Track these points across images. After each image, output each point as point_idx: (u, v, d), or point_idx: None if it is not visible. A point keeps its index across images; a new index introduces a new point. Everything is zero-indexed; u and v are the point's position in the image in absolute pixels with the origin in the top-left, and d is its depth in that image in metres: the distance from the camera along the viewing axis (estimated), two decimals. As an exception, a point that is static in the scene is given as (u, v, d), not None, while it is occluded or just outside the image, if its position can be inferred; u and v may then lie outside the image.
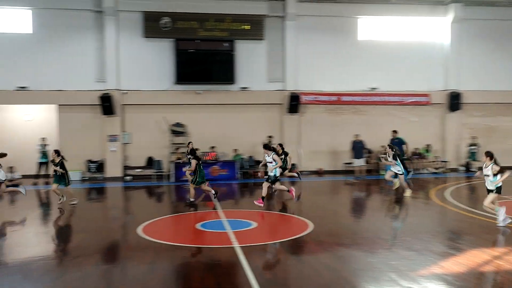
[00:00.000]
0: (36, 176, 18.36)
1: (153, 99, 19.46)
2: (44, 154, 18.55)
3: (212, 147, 19.10)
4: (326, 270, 6.81)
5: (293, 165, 19.89)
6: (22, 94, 18.56)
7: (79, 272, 7.03)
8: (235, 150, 19.64)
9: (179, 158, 18.68)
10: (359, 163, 19.22)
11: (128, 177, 18.93)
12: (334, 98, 21.03)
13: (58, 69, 18.81)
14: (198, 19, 19.87)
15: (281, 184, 13.01)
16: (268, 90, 20.47)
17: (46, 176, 18.38)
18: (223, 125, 20.02)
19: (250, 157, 19.98)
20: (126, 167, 19.40)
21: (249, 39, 20.30)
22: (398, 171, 14.16)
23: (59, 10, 18.85)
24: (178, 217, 11.64)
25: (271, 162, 12.34)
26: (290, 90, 20.30)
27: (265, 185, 12.24)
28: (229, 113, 20.27)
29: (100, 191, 17.19)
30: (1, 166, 13.02)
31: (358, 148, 19.10)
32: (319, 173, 20.67)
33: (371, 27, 21.67)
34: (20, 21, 18.76)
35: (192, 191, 12.73)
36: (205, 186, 12.99)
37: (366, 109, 21.24)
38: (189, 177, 13.59)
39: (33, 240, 9.47)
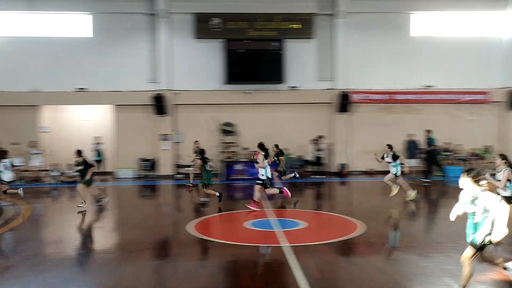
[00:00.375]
0: (95, 173, 19.18)
1: (204, 99, 19.81)
2: (99, 153, 19.36)
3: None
4: (377, 273, 6.65)
5: (342, 165, 19.64)
6: (81, 95, 19.47)
7: (133, 266, 7.29)
8: (285, 149, 19.57)
9: (228, 157, 18.91)
10: (412, 163, 18.61)
11: (179, 175, 19.38)
12: (385, 96, 20.50)
13: (114, 70, 19.57)
14: (247, 19, 20.02)
15: (272, 188, 12.37)
16: (317, 89, 20.27)
17: (101, 173, 19.20)
18: (271, 125, 20.04)
19: (299, 156, 19.88)
20: (177, 166, 19.87)
21: (298, 38, 20.20)
22: (394, 173, 13.09)
23: (116, 14, 19.60)
24: (226, 215, 11.78)
25: (257, 163, 12.05)
26: (340, 89, 20.00)
27: (256, 188, 11.80)
28: (278, 113, 20.27)
29: (153, 189, 17.72)
30: (11, 166, 13.41)
31: (411, 148, 18.52)
32: (370, 173, 20.24)
33: (425, 22, 20.91)
34: (81, 25, 19.68)
35: (209, 191, 12.50)
36: (209, 190, 12.46)
37: (420, 107, 20.54)
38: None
39: (90, 235, 9.92)
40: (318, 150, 19.20)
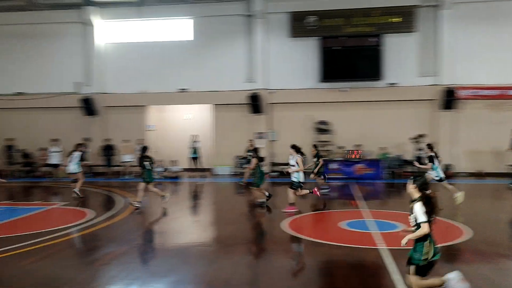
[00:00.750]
0: (192, 170, 20.20)
1: (299, 97, 19.81)
2: (195, 150, 20.30)
3: (357, 145, 18.67)
4: (484, 282, 6.12)
5: (447, 166, 18.37)
6: (183, 95, 20.58)
7: (229, 260, 7.51)
8: (382, 148, 18.88)
9: (324, 156, 18.70)
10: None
11: (274, 173, 19.61)
12: (496, 92, 18.78)
13: (213, 71, 20.39)
14: (344, 16, 19.61)
15: (302, 189, 11.75)
16: (419, 85, 19.20)
17: (198, 170, 20.09)
18: (368, 123, 19.42)
19: (398, 156, 19.01)
20: (273, 164, 20.11)
21: (398, 32, 19.30)
22: (436, 176, 11.97)
23: (215, 17, 20.41)
24: (321, 214, 11.65)
25: (293, 165, 11.48)
26: (445, 85, 18.73)
27: (290, 192, 11.43)
28: (375, 110, 19.57)
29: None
30: (78, 159, 14.13)
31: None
32: (479, 175, 18.69)
33: (545, 9, 18.77)
34: (183, 29, 20.82)
35: (257, 193, 12.32)
36: (258, 189, 12.23)
37: (537, 104, 18.50)
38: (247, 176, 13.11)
39: (189, 228, 10.42)
40: (419, 149, 18.18)
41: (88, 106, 20.28)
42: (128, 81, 20.76)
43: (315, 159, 14.34)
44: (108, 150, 19.63)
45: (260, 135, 20.03)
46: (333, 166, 18.23)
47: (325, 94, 19.65)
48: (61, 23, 20.93)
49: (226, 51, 20.44)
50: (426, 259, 5.01)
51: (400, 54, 19.32)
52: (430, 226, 5.01)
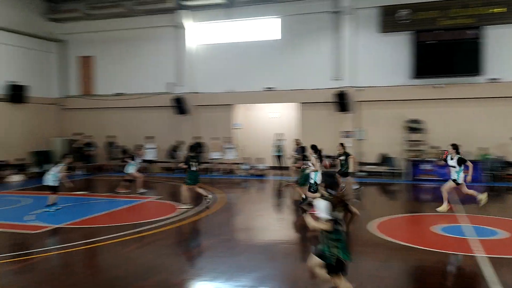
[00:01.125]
0: (280, 168, 20.33)
1: (388, 94, 19.04)
2: (279, 148, 20.34)
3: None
4: None
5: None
6: (269, 94, 20.79)
7: (314, 259, 7.44)
8: (482, 149, 17.48)
9: (415, 156, 17.81)
10: None
11: (361, 173, 19.08)
12: None
13: (299, 70, 20.32)
14: (439, 8, 18.44)
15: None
16: (524, 80, 17.51)
17: (282, 168, 20.16)
18: (466, 121, 18.09)
19: (500, 157, 17.50)
20: (360, 163, 19.57)
21: (502, 23, 17.73)
22: (456, 179, 10.81)
23: (302, 16, 20.33)
24: (412, 217, 11.11)
25: (310, 166, 11.05)
26: (556, 79, 16.88)
27: (309, 195, 11.03)
28: (474, 108, 18.17)
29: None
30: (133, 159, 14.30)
31: None
32: None
33: None
34: (270, 29, 21.03)
35: (299, 190, 12.04)
36: (300, 189, 11.94)
37: None
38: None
39: (275, 225, 10.49)
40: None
41: (179, 105, 21.27)
42: (216, 80, 21.44)
43: (342, 158, 13.54)
44: (198, 147, 20.42)
45: (347, 134, 19.59)
46: (426, 166, 17.28)
47: (417, 91, 18.67)
48: (155, 27, 22.18)
49: (313, 49, 20.26)
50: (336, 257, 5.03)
51: (502, 47, 17.75)
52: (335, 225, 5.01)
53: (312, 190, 11.01)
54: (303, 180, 11.79)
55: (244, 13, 20.97)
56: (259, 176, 19.25)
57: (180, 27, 21.61)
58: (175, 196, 13.92)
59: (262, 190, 16.16)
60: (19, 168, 19.92)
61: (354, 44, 19.48)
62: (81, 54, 23.56)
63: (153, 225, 9.90)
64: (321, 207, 4.97)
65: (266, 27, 21.04)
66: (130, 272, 6.96)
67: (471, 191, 11.06)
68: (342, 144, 14.30)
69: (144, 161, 19.86)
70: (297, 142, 16.83)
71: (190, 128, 21.63)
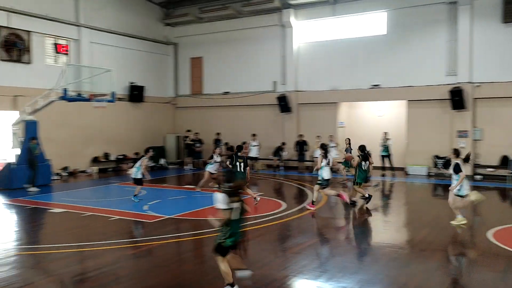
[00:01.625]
0: (383, 168, 19.54)
1: (511, 91, 17.27)
2: (386, 148, 19.49)
3: None
4: None
5: None
6: (375, 92, 20.07)
7: (423, 265, 7.03)
8: None
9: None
10: None
11: (478, 176, 17.58)
12: None
13: (407, 65, 19.31)
14: None
15: (331, 189, 11.77)
16: None
17: (389, 168, 19.33)
18: None
19: None
20: (476, 166, 18.05)
21: None
22: (458, 190, 9.42)
23: (412, 8, 19.27)
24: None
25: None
26: None
27: (315, 189, 11.46)
28: None
29: (447, 188, 16.62)
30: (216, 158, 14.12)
31: None
32: None
33: None
34: (375, 24, 20.30)
35: (360, 190, 11.98)
36: (359, 188, 12.04)
37: None
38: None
39: (380, 228, 10.12)
40: None
41: (283, 104, 21.50)
42: (320, 78, 21.28)
43: (363, 163, 12.23)
44: (301, 146, 20.48)
45: (462, 133, 18.17)
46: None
47: (546, 86, 16.68)
48: (261, 27, 22.66)
49: (422, 43, 19.10)
50: (228, 242, 5.65)
51: None
52: (231, 214, 5.57)
53: (321, 186, 11.47)
54: (360, 179, 12.00)
55: (349, 9, 20.51)
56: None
57: (284, 26, 21.83)
58: (277, 193, 14.10)
59: (366, 190, 15.69)
60: (136, 162, 21.71)
61: (471, 36, 18.00)
62: (191, 56, 24.98)
63: (255, 221, 10.13)
64: (219, 198, 5.59)
65: (371, 23, 20.34)
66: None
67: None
68: (363, 148, 12.65)
69: (248, 158, 20.51)
70: (347, 142, 16.42)
71: (293, 126, 21.77)
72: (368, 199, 11.98)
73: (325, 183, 11.39)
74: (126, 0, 22.76)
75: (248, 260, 7.39)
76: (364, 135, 20.99)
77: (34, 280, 6.62)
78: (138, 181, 12.81)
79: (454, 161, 9.59)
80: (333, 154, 19.75)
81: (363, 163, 12.11)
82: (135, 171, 12.73)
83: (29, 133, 15.58)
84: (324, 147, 11.77)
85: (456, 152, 9.80)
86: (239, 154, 11.87)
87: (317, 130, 20.50)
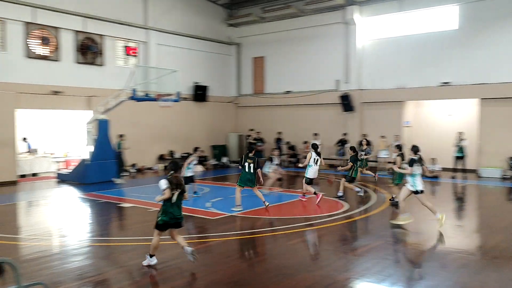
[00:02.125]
0: (454, 170, 18.58)
1: None
2: (461, 149, 18.47)
3: None
4: None
5: None
6: (444, 90, 19.13)
7: (496, 273, 6.62)
8: None
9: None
10: None
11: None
12: None
13: (481, 62, 18.22)
14: None
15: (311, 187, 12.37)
16: None
17: (463, 170, 18.34)
18: None
19: None
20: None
21: None
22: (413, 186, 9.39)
23: (487, 1, 18.15)
24: None
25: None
26: None
27: (304, 184, 12.35)
28: None
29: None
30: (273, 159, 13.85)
31: None
32: None
33: None
34: (446, 19, 19.35)
35: (398, 191, 11.16)
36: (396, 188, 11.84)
37: None
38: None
39: (449, 232, 9.63)
40: None
41: (346, 103, 21.10)
42: (385, 76, 20.66)
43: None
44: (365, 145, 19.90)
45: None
46: None
47: None
48: (324, 25, 22.38)
49: (499, 38, 17.93)
50: (161, 219, 6.82)
51: None
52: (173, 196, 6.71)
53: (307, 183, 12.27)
54: (400, 180, 11.65)
55: (417, 3, 19.75)
56: (432, 178, 17.90)
57: (348, 23, 21.43)
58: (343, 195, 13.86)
59: (435, 193, 15.02)
60: (200, 160, 22.27)
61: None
62: (253, 55, 25.20)
63: (318, 221, 10.04)
64: (162, 183, 6.73)
65: (441, 18, 19.42)
66: (295, 263, 7.18)
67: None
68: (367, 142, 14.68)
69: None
70: (384, 140, 15.86)
71: (356, 125, 21.33)
72: (394, 200, 11.88)
73: (308, 180, 12.30)
74: (191, 3, 23.42)
75: (308, 260, 7.32)
76: (433, 135, 20.14)
77: (105, 270, 6.98)
78: (188, 180, 13.01)
79: (413, 156, 9.52)
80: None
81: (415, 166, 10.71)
82: (187, 170, 12.96)
83: (102, 131, 16.49)
84: (400, 147, 11.91)
85: (399, 148, 10.56)
86: (250, 154, 11.47)
87: (381, 130, 19.96)
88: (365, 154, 16.12)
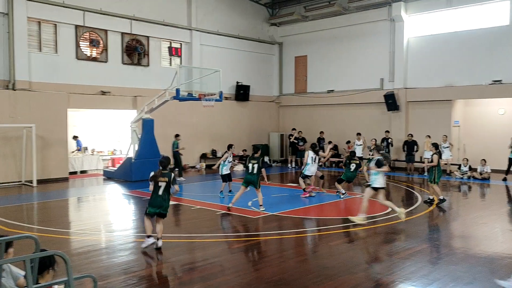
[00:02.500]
0: (507, 172, 17.72)
1: None
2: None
3: None
4: None
5: None
6: (496, 88, 18.16)
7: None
8: None
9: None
10: None
11: None
12: None
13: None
14: None
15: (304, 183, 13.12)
16: None
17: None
18: None
19: None
20: None
21: None
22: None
23: (541, -6, 17.25)
24: None
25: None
26: None
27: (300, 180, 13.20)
28: None
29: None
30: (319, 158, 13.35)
31: None
32: None
33: None
34: (496, 14, 18.47)
35: (436, 189, 12.12)
36: (436, 187, 12.15)
37: None
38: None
39: (500, 236, 9.22)
40: None
41: (391, 102, 20.60)
42: (431, 74, 20.00)
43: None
44: (410, 146, 19.35)
45: None
46: None
47: None
48: (368, 23, 21.94)
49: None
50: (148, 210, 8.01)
51: None
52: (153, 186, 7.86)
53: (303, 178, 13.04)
54: (438, 178, 12.09)
55: (467, -1, 18.98)
56: (482, 180, 17.20)
57: (394, 21, 20.91)
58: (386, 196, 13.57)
59: (486, 195, 14.42)
60: (242, 159, 22.42)
61: None
62: (296, 55, 25.09)
63: (359, 222, 9.86)
64: (150, 176, 7.87)
65: (492, 13, 18.58)
66: (337, 264, 7.09)
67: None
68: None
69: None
70: (429, 140, 15.20)
71: (401, 125, 20.80)
72: (442, 201, 12.00)
73: (304, 176, 12.97)
74: (233, 3, 23.60)
75: (350, 261, 7.21)
76: (483, 135, 19.33)
77: (149, 266, 7.16)
78: (225, 177, 13.23)
79: (378, 154, 10.02)
80: (447, 155, 18.48)
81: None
82: (221, 168, 13.17)
83: (146, 131, 16.92)
84: (436, 145, 12.52)
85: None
86: (255, 155, 11.50)
87: (428, 130, 19.36)
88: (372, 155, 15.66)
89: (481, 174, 17.51)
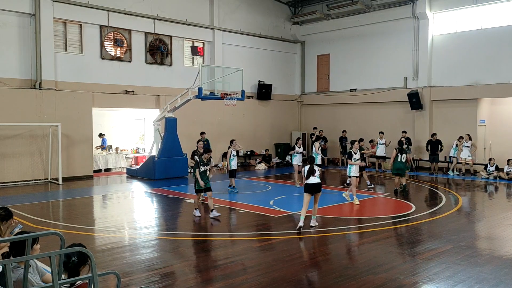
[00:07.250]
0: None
1: None
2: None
3: None
4: None
5: None
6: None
7: None
8: None
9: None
10: None
11: None
12: None
13: None
14: None
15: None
16: None
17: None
18: None
19: None
20: None
21: None
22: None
23: None
24: None
25: None
26: None
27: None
28: None
29: None
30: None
31: None
32: None
33: None
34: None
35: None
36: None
37: None
38: None
39: (528, 238, 8.98)
40: None
41: (414, 100, 20.27)
42: (456, 73, 19.59)
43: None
44: (434, 145, 19.00)
45: None
46: None
47: None
48: (391, 21, 21.63)
49: None
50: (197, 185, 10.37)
51: None
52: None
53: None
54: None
55: (495, -5, 18.50)
56: (509, 180, 16.78)
57: (418, 18, 20.56)
58: (407, 194, 13.40)
59: (510, 196, 14.07)
60: (264, 158, 22.44)
61: None
62: (318, 53, 24.94)
63: (383, 222, 9.75)
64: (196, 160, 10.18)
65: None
66: (359, 264, 7.04)
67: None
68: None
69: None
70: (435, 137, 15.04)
71: (425, 125, 20.45)
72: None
73: (352, 175, 12.35)
74: (255, 2, 23.60)
75: (372, 261, 7.14)
76: (509, 134, 18.86)
77: (172, 263, 7.24)
78: (231, 173, 13.99)
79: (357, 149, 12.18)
80: (465, 154, 18.03)
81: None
82: (230, 163, 13.70)
83: (169, 129, 17.09)
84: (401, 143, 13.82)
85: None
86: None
87: (453, 129, 18.99)
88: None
89: (507, 174, 17.08)
